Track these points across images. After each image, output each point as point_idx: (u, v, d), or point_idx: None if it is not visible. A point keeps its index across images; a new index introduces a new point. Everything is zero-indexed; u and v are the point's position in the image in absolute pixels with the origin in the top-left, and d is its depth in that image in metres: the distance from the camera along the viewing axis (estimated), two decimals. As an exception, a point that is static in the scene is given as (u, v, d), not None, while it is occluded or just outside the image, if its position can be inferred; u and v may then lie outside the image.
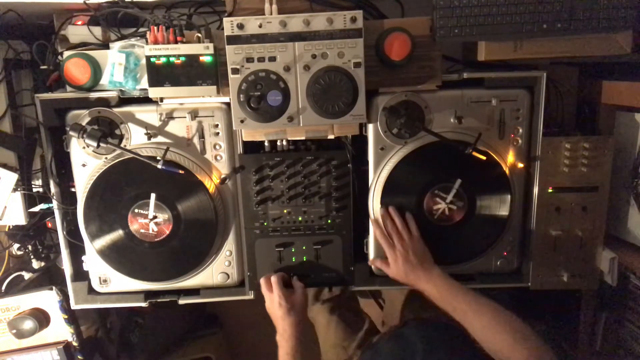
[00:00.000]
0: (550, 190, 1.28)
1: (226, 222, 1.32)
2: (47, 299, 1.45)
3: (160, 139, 1.27)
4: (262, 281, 1.30)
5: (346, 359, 1.45)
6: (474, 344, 1.04)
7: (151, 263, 1.31)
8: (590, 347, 1.45)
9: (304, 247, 1.33)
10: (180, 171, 1.23)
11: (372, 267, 1.35)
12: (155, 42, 1.14)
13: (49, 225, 1.52)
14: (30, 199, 1.41)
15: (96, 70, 1.23)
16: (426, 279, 1.16)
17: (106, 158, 1.26)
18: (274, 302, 1.26)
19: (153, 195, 1.24)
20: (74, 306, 1.39)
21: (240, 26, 1.11)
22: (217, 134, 1.27)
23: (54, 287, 1.44)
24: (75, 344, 1.49)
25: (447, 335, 1.17)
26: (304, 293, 1.30)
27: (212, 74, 1.15)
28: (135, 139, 1.26)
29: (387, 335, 1.34)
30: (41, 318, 1.45)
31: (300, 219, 1.32)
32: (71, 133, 1.20)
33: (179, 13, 1.31)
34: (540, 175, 1.27)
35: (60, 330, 1.48)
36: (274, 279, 1.28)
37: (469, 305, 1.07)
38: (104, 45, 1.26)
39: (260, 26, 1.11)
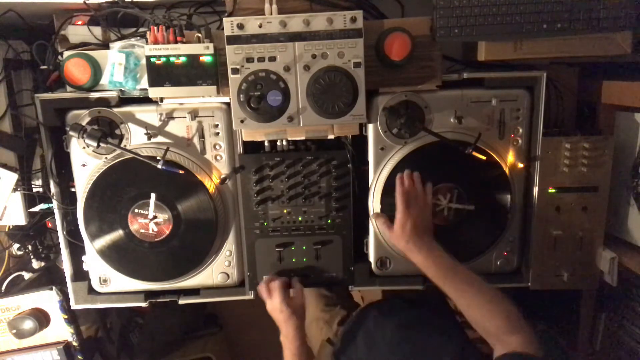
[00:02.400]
0: (550, 190, 1.28)
1: (226, 222, 1.32)
2: (47, 299, 1.46)
3: (160, 139, 1.27)
4: (260, 288, 1.29)
5: (331, 335, 1.46)
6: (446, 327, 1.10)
7: (151, 263, 1.31)
8: (590, 347, 1.45)
9: (304, 247, 1.33)
10: (180, 171, 1.23)
11: (373, 224, 1.30)
12: (155, 42, 1.14)
13: (49, 225, 1.52)
14: (30, 199, 1.41)
15: (96, 70, 1.23)
16: (427, 250, 1.14)
17: (106, 158, 1.26)
18: (275, 307, 1.25)
19: (153, 195, 1.24)
20: (74, 306, 1.39)
21: (240, 26, 1.11)
22: (217, 134, 1.27)
23: (54, 287, 1.44)
24: (75, 344, 1.50)
25: (420, 316, 1.23)
26: (304, 295, 1.30)
27: (212, 74, 1.15)
28: (135, 139, 1.26)
29: (364, 311, 1.39)
30: (41, 318, 1.45)
31: (300, 219, 1.32)
32: (71, 133, 1.20)
33: (179, 13, 1.30)
34: (540, 175, 1.27)
35: (60, 330, 1.48)
36: (275, 284, 1.27)
37: (468, 285, 1.06)
38: (104, 45, 1.27)
39: (260, 26, 1.11)
